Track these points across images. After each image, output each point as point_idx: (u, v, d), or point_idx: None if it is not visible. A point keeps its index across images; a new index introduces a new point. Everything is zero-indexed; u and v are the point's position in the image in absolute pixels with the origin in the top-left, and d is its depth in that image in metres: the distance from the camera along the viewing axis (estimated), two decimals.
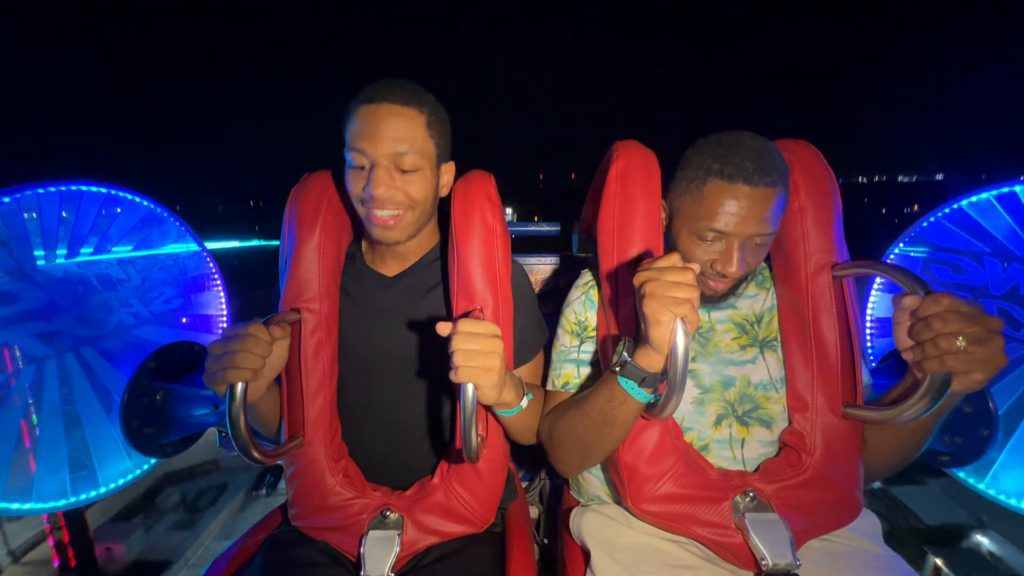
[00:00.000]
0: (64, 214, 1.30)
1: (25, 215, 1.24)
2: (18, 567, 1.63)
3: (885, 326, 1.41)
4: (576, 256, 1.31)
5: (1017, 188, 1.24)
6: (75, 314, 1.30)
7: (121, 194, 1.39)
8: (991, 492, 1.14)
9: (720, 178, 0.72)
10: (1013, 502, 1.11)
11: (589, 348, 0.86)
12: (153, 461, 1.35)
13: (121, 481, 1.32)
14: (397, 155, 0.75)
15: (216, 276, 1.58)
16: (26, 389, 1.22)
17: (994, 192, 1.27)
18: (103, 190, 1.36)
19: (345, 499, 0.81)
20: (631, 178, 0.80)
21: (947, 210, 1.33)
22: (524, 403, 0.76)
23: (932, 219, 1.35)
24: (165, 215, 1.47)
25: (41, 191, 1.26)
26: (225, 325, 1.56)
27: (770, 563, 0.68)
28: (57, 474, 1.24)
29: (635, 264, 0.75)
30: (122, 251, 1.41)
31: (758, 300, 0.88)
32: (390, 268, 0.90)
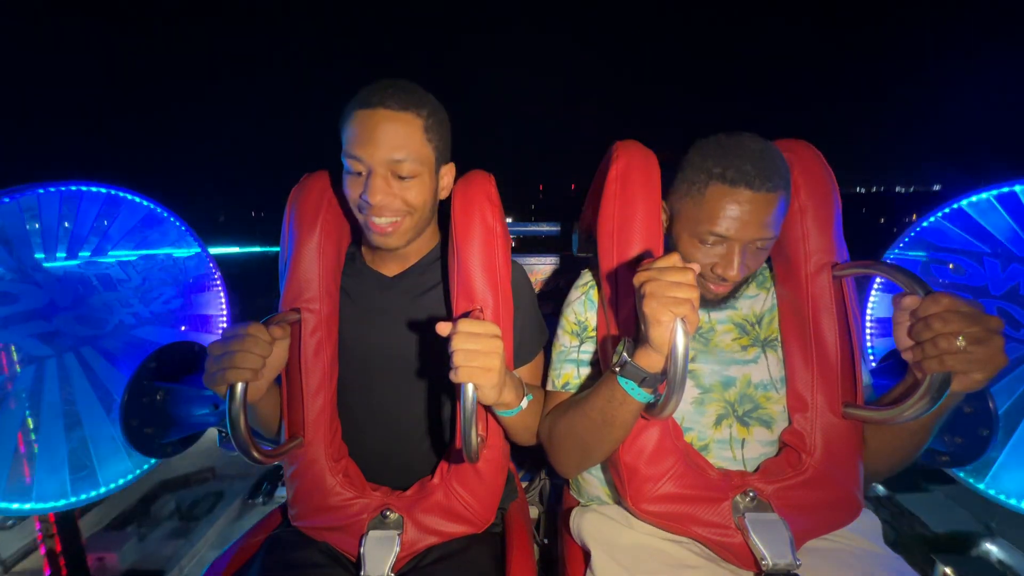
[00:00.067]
0: (64, 216, 1.30)
1: (25, 215, 1.24)
2: None
3: (885, 326, 1.41)
4: (576, 256, 1.31)
5: (1017, 188, 1.24)
6: (75, 314, 1.30)
7: (121, 194, 1.39)
8: (991, 492, 1.14)
9: (722, 182, 0.72)
10: (1013, 502, 1.11)
11: (589, 348, 0.86)
12: (153, 461, 1.35)
13: (121, 481, 1.32)
14: (394, 162, 0.74)
15: (216, 276, 1.58)
16: (26, 389, 1.22)
17: (994, 192, 1.27)
18: (103, 190, 1.36)
19: (345, 499, 0.81)
20: (631, 178, 0.80)
21: (947, 210, 1.33)
22: (524, 404, 0.76)
23: (932, 219, 1.35)
24: (165, 215, 1.47)
25: (41, 191, 1.26)
26: (225, 325, 1.56)
27: (770, 563, 0.69)
28: (57, 474, 1.24)
29: (635, 264, 0.75)
30: (122, 251, 1.41)
31: (758, 300, 0.88)
32: (390, 268, 0.90)
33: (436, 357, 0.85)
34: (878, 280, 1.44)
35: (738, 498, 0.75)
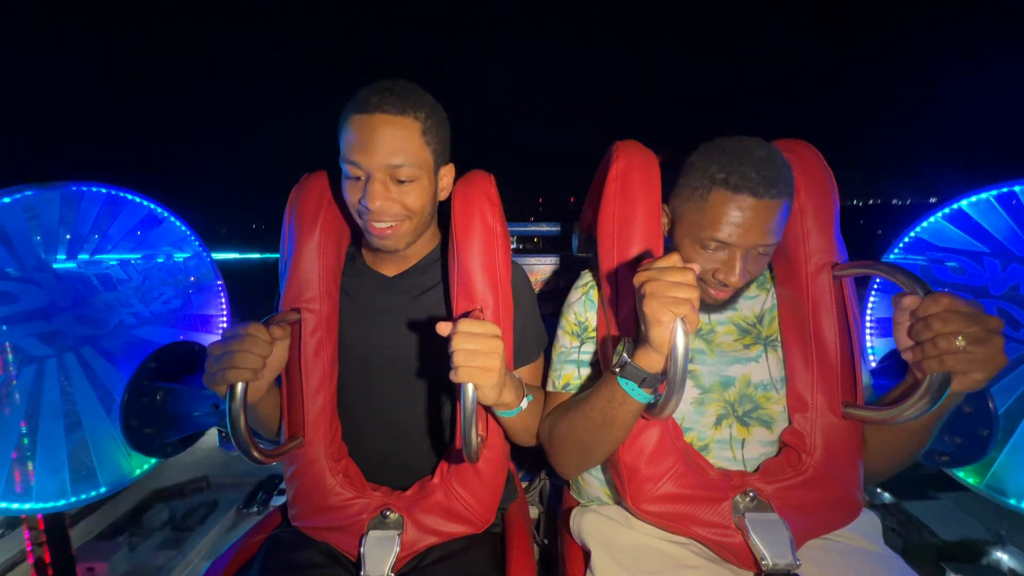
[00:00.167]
0: (65, 216, 1.30)
1: (26, 215, 1.24)
2: None
3: (885, 326, 1.41)
4: (576, 256, 1.31)
5: (1017, 188, 1.24)
6: (75, 314, 1.30)
7: (122, 194, 1.39)
8: (990, 492, 1.14)
9: (725, 188, 0.71)
10: (1012, 502, 1.11)
11: (589, 349, 0.86)
12: (153, 461, 1.35)
13: (121, 481, 1.32)
14: (392, 167, 0.74)
15: (216, 276, 1.58)
16: (26, 389, 1.22)
17: (994, 192, 1.27)
18: (103, 190, 1.36)
19: (345, 499, 0.81)
20: (631, 178, 0.80)
21: (947, 210, 1.33)
22: (524, 404, 0.76)
23: (931, 219, 1.35)
24: (165, 215, 1.48)
25: (41, 191, 1.26)
26: (225, 325, 1.56)
27: (770, 563, 0.69)
28: (57, 474, 1.24)
29: (635, 264, 0.75)
30: (122, 251, 1.41)
31: (758, 301, 0.88)
32: (390, 268, 0.90)
33: (436, 357, 0.85)
34: (878, 280, 1.44)
35: (738, 498, 0.75)
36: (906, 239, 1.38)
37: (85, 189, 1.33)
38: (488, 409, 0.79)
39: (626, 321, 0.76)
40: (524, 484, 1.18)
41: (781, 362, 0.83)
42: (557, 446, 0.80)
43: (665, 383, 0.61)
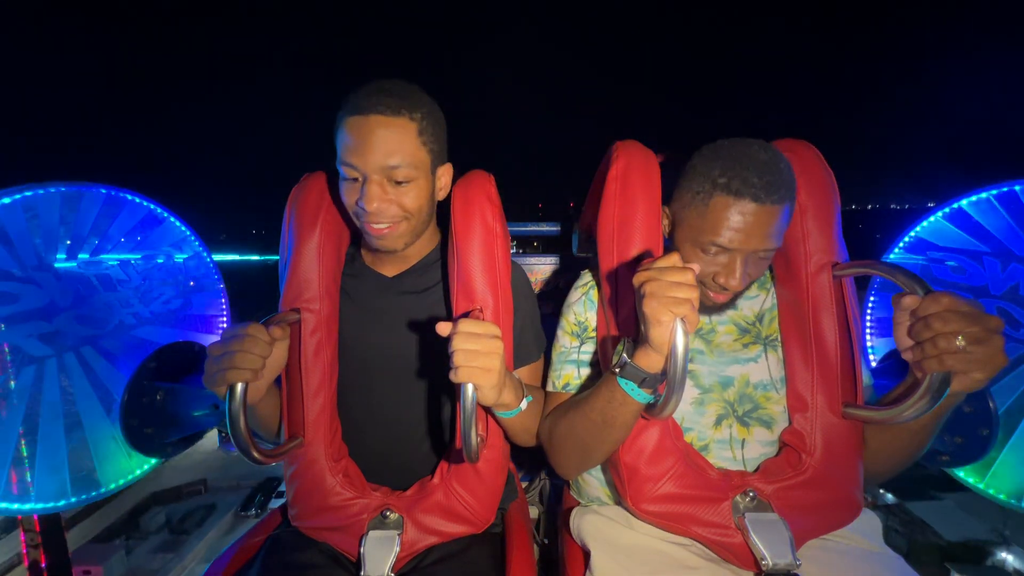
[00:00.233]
0: (65, 216, 1.30)
1: (26, 215, 1.24)
2: None
3: (885, 326, 1.41)
4: (576, 256, 1.31)
5: (1017, 188, 1.24)
6: (76, 314, 1.30)
7: (122, 195, 1.39)
8: (991, 492, 1.14)
9: (726, 193, 0.70)
10: (1012, 502, 1.11)
11: (589, 349, 0.86)
12: (154, 461, 1.35)
13: (121, 481, 1.32)
14: (389, 168, 0.74)
15: (216, 277, 1.58)
16: (26, 389, 1.22)
17: (994, 191, 1.27)
18: (103, 190, 1.36)
19: (345, 499, 0.81)
20: (631, 178, 0.80)
21: (947, 210, 1.33)
22: (524, 405, 0.76)
23: (931, 219, 1.35)
24: (165, 215, 1.48)
25: (41, 191, 1.26)
26: (225, 325, 1.56)
27: (770, 563, 0.68)
28: (57, 474, 1.24)
29: (635, 264, 0.75)
30: (122, 252, 1.41)
31: (758, 301, 0.88)
32: (390, 269, 0.90)
33: (436, 357, 0.85)
34: (878, 280, 1.44)
35: (738, 498, 0.75)
36: (906, 238, 1.38)
37: (85, 189, 1.33)
38: (488, 409, 0.79)
39: (626, 321, 0.76)
40: (524, 484, 1.18)
41: (781, 362, 0.83)
42: (557, 446, 0.80)
43: (665, 383, 0.61)
